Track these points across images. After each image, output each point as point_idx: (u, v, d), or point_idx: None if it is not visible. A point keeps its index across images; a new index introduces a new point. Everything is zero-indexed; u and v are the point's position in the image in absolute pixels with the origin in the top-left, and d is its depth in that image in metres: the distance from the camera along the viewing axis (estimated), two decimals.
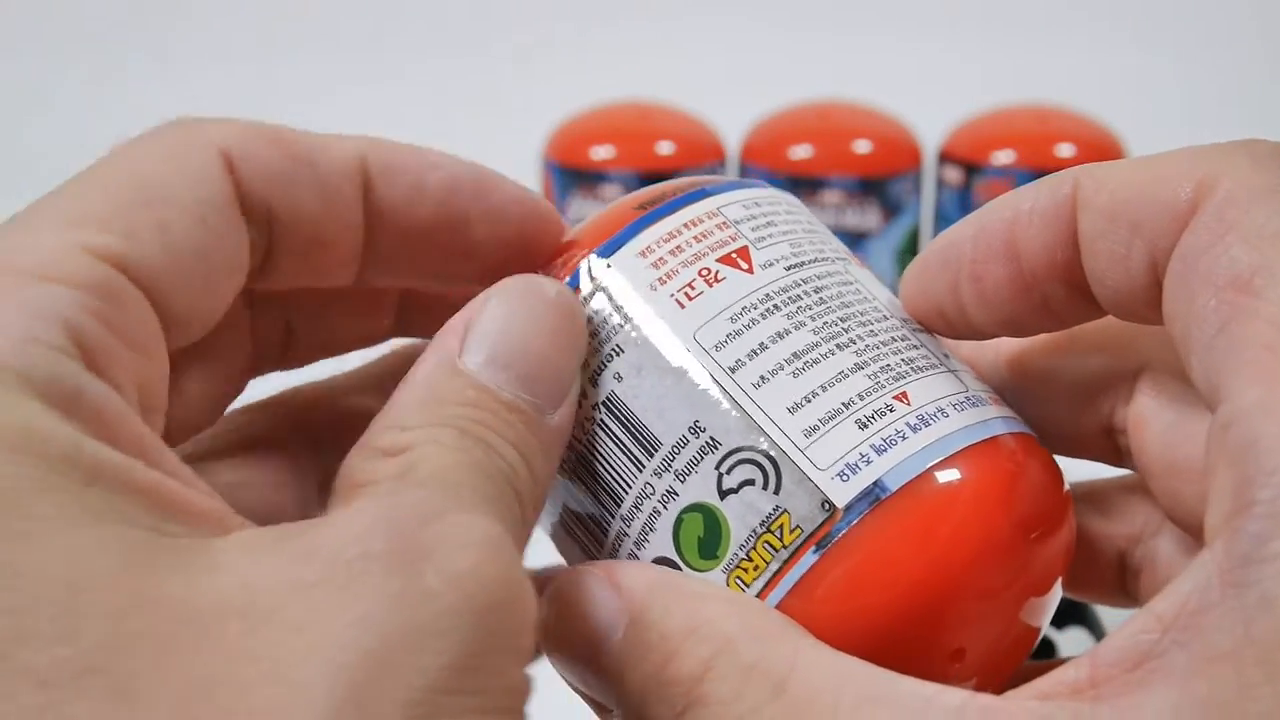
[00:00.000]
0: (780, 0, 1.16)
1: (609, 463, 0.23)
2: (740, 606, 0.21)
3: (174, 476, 0.18)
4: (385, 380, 0.25)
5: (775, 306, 0.23)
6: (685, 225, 0.24)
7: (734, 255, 0.24)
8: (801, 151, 0.83)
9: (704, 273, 0.24)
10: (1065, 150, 0.83)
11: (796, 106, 0.87)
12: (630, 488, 0.23)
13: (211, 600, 0.16)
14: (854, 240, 0.82)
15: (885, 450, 0.22)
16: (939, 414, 0.23)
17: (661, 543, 0.23)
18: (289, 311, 0.26)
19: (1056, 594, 0.24)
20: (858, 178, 0.81)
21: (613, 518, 0.23)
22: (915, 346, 0.24)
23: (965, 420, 0.23)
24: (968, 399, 0.23)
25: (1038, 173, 0.88)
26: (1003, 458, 0.23)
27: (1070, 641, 0.53)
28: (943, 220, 0.86)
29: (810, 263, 0.24)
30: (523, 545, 0.21)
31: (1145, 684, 0.18)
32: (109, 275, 0.19)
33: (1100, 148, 0.84)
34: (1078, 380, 0.26)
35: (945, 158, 0.85)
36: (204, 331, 0.22)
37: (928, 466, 0.22)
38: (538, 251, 0.25)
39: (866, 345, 0.23)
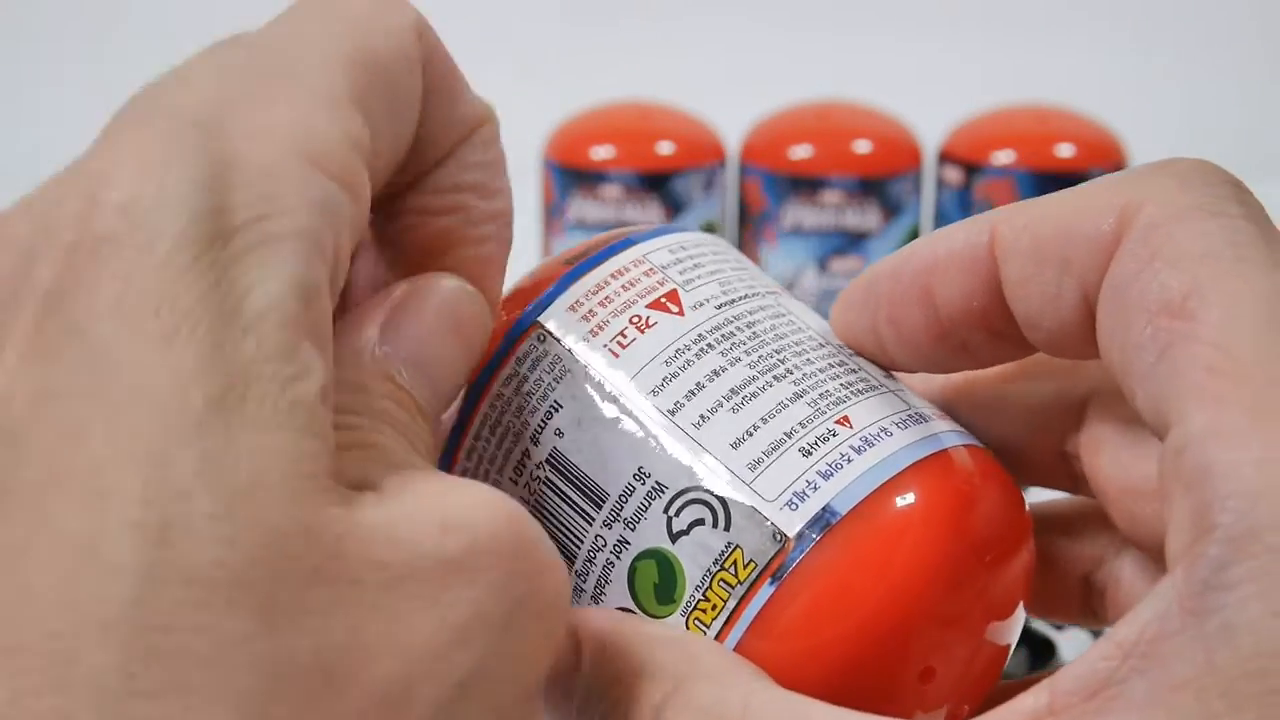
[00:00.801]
0: (780, 0, 1.16)
1: (558, 520, 0.23)
2: (695, 648, 0.21)
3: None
4: None
5: (709, 345, 0.23)
6: (612, 275, 0.24)
7: (663, 300, 0.24)
8: (801, 151, 0.83)
9: (635, 320, 0.24)
10: (1065, 150, 0.83)
11: (796, 106, 0.87)
12: (581, 542, 0.23)
13: (359, 541, 0.17)
14: (854, 240, 0.82)
15: (831, 475, 0.22)
16: (882, 434, 0.23)
17: (618, 594, 0.23)
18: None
19: (1020, 616, 0.24)
20: (858, 178, 0.81)
21: (568, 575, 0.23)
22: (853, 371, 0.24)
23: (910, 437, 0.23)
24: (910, 416, 0.23)
25: (1037, 173, 0.87)
26: (953, 471, 0.23)
27: (1071, 641, 0.53)
28: (943, 220, 0.86)
29: (741, 299, 0.24)
30: None
31: (1104, 712, 0.18)
32: (362, 173, 0.19)
33: (1100, 148, 0.84)
34: (1028, 407, 0.26)
35: (945, 158, 0.85)
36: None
37: (876, 486, 0.22)
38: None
39: (804, 374, 0.23)
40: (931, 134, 0.86)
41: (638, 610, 0.22)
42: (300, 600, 0.16)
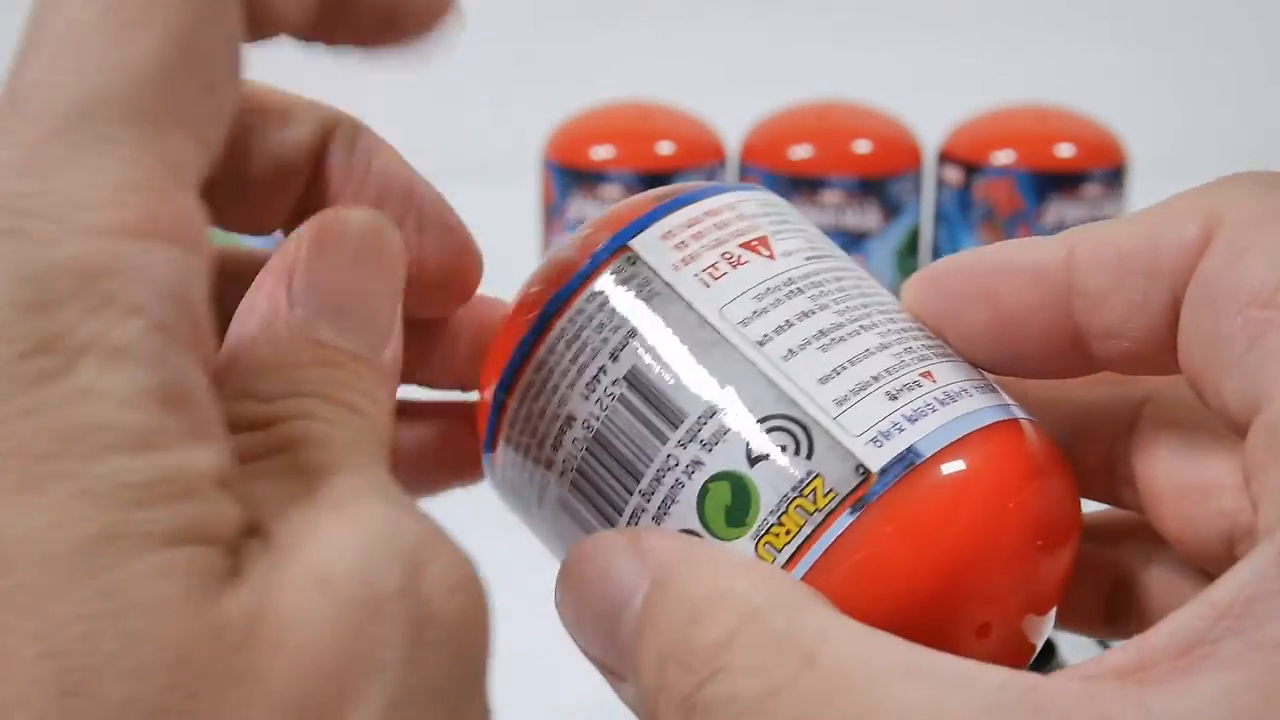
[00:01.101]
0: (780, 0, 1.16)
1: (628, 438, 0.23)
2: (767, 577, 0.21)
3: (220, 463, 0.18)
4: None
5: (798, 289, 0.24)
6: (706, 214, 0.25)
7: (754, 242, 0.24)
8: (801, 151, 0.83)
9: (727, 255, 0.24)
10: (1065, 150, 0.83)
11: (796, 106, 0.87)
12: (651, 461, 0.23)
13: (235, 616, 0.16)
14: (854, 240, 0.82)
15: (917, 420, 0.22)
16: (963, 392, 0.23)
17: (684, 514, 0.22)
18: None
19: (1072, 550, 0.24)
20: (858, 178, 0.81)
21: (630, 494, 0.23)
22: (930, 338, 0.24)
23: (988, 401, 0.23)
24: (985, 385, 0.24)
25: (1037, 173, 0.87)
26: (1026, 439, 0.23)
27: (1070, 641, 0.53)
28: (943, 220, 0.86)
29: (826, 256, 0.25)
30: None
31: (1195, 669, 0.18)
32: (197, 215, 0.17)
33: (1100, 148, 0.84)
34: (1080, 410, 0.26)
35: (945, 158, 0.85)
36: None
37: (960, 436, 0.22)
38: (462, 284, 0.26)
39: (888, 329, 0.23)
40: (931, 134, 0.86)
41: (704, 532, 0.22)
42: (218, 710, 0.16)
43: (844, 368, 0.23)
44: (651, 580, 0.21)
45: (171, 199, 0.17)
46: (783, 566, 0.22)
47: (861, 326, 0.23)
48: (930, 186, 0.86)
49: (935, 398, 0.23)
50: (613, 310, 0.24)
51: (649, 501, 0.23)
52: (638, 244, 0.24)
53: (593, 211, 0.82)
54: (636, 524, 0.23)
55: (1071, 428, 0.26)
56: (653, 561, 0.21)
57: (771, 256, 0.24)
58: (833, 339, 0.23)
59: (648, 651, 0.20)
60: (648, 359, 0.23)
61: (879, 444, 0.22)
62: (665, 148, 0.84)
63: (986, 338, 0.24)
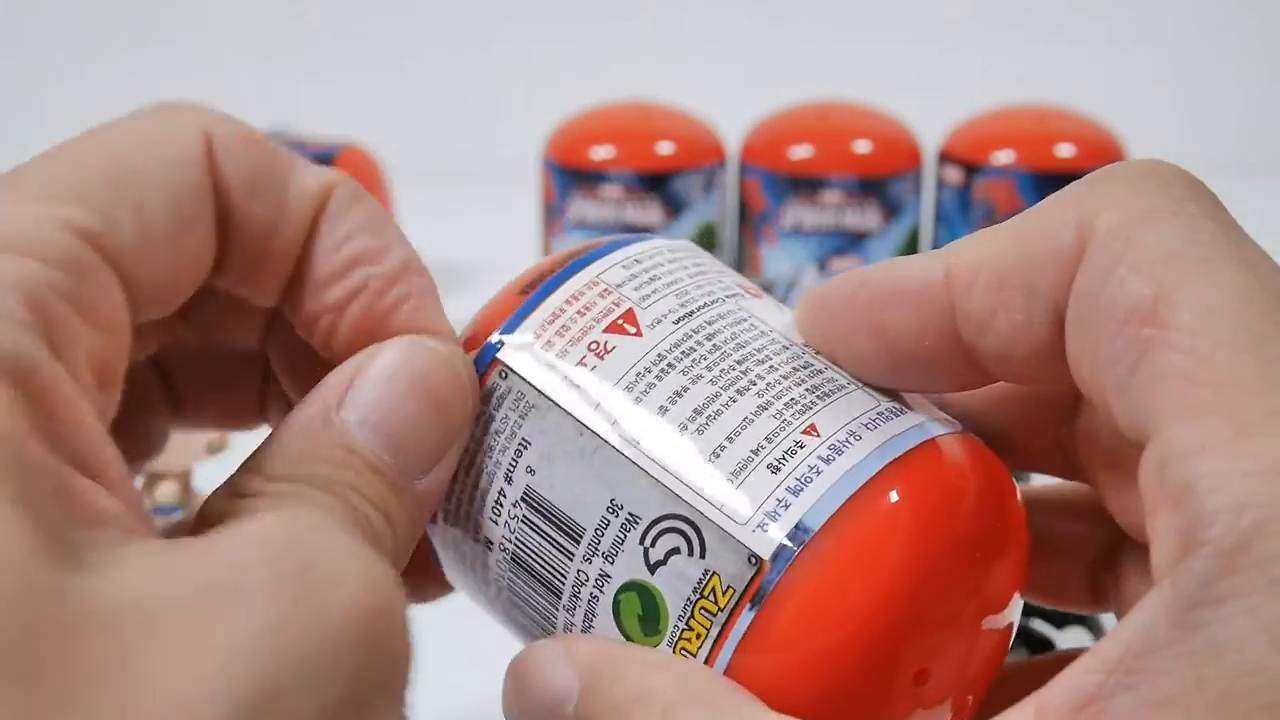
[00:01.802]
0: (780, 0, 1.16)
1: (540, 557, 0.23)
2: (686, 673, 0.21)
3: (109, 468, 0.18)
4: None
5: (670, 365, 0.23)
6: (567, 301, 0.24)
7: (619, 322, 0.24)
8: (801, 151, 0.83)
9: (593, 347, 0.23)
10: (1065, 150, 0.83)
11: (796, 106, 0.87)
12: (565, 578, 0.23)
13: (113, 594, 0.17)
14: (854, 240, 0.82)
15: (801, 490, 0.21)
16: (851, 439, 0.22)
17: (605, 626, 0.22)
18: (181, 375, 0.26)
19: (1017, 603, 0.23)
20: (858, 178, 0.81)
21: (556, 610, 0.23)
22: (819, 372, 0.23)
23: (882, 436, 0.22)
24: (881, 414, 0.23)
25: (1037, 173, 0.87)
26: (931, 467, 0.22)
27: (1070, 640, 0.53)
28: (943, 220, 0.86)
29: (700, 309, 0.24)
30: (395, 567, 0.21)
31: None
32: (79, 250, 0.19)
33: (1100, 148, 0.84)
34: (1020, 397, 0.25)
35: (945, 158, 0.85)
36: (165, 314, 0.22)
37: (847, 497, 0.21)
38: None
39: (767, 384, 0.23)
40: (931, 134, 0.86)
41: (625, 641, 0.22)
42: (61, 660, 0.16)
43: (723, 448, 0.22)
44: (580, 685, 0.21)
45: (46, 232, 0.19)
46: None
47: (738, 391, 0.23)
48: (930, 186, 0.86)
49: (819, 457, 0.22)
50: (496, 433, 0.23)
51: (573, 615, 0.23)
52: (506, 356, 0.24)
53: (593, 211, 0.82)
54: (567, 635, 0.23)
55: (1014, 413, 0.25)
56: (581, 666, 0.22)
57: (639, 333, 0.23)
58: (709, 416, 0.22)
59: None
60: (538, 477, 0.23)
61: (765, 527, 0.21)
62: (665, 148, 0.84)
63: (880, 365, 0.23)
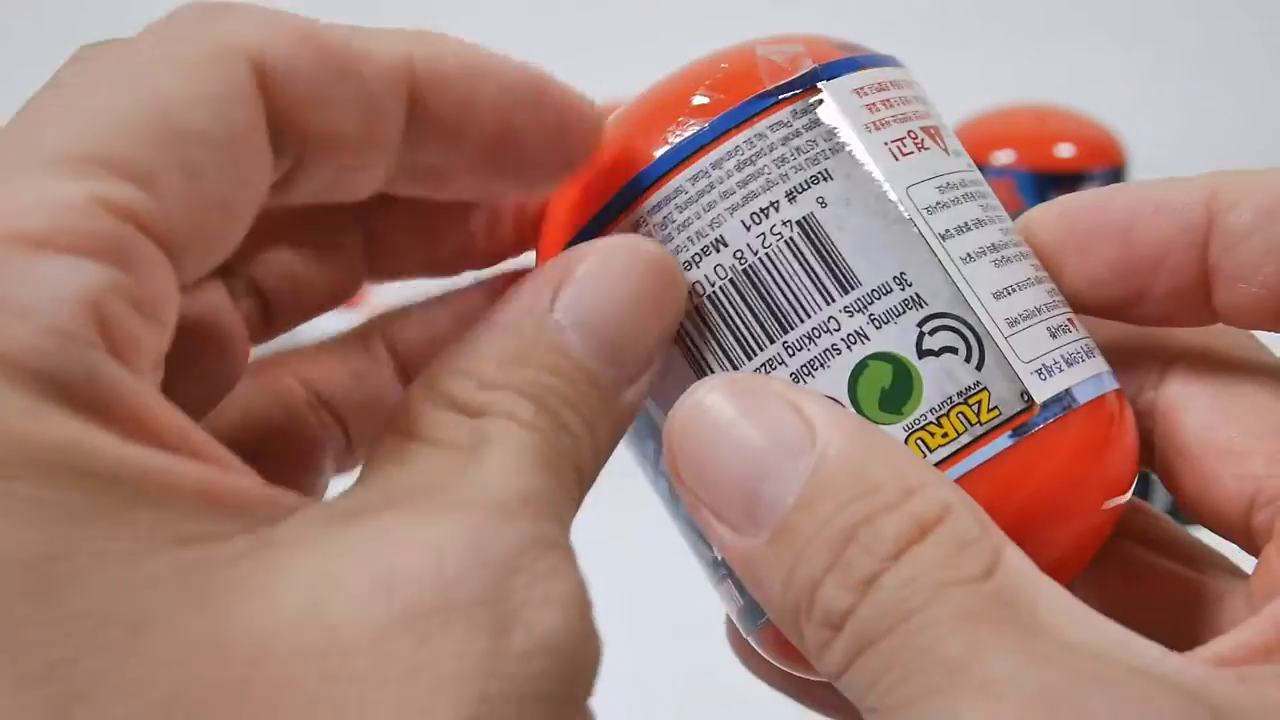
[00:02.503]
0: (780, 2, 1.16)
1: (788, 285, 0.22)
2: (954, 486, 0.20)
3: (213, 460, 0.17)
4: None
5: (970, 194, 0.23)
6: (894, 83, 0.24)
7: (934, 130, 0.24)
8: None
9: (912, 135, 0.23)
10: (1065, 150, 0.83)
11: None
12: (809, 317, 0.22)
13: (281, 635, 0.15)
14: None
15: (1074, 364, 0.23)
16: (1096, 349, 0.24)
17: (831, 382, 0.22)
18: (258, 280, 0.24)
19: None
20: None
21: (770, 341, 0.22)
22: (1052, 279, 0.24)
23: (1105, 364, 0.24)
24: (1095, 346, 0.24)
25: (1037, 173, 0.87)
26: (1126, 406, 0.24)
27: None
28: None
29: (973, 169, 0.25)
30: (572, 517, 0.20)
31: None
32: (131, 238, 0.16)
33: (1100, 148, 0.84)
34: (1113, 354, 0.25)
35: None
36: (208, 270, 0.19)
37: (1104, 391, 0.23)
38: (583, 162, 0.23)
39: (1033, 264, 0.24)
40: None
41: (850, 406, 0.22)
42: None
43: (1012, 290, 0.23)
44: (824, 450, 0.19)
45: (94, 219, 0.16)
46: (935, 465, 0.21)
47: (1020, 253, 0.23)
48: None
49: (1082, 347, 0.23)
50: (796, 149, 0.22)
51: (792, 357, 0.22)
52: (831, 91, 0.23)
53: None
54: (768, 374, 0.22)
55: None
56: (823, 430, 0.20)
57: (947, 151, 0.24)
58: (1002, 257, 0.23)
59: (817, 525, 0.19)
60: (828, 213, 0.22)
61: (1043, 377, 0.22)
62: None
63: (1113, 273, 0.24)
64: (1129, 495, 0.24)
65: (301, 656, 0.15)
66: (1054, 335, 0.23)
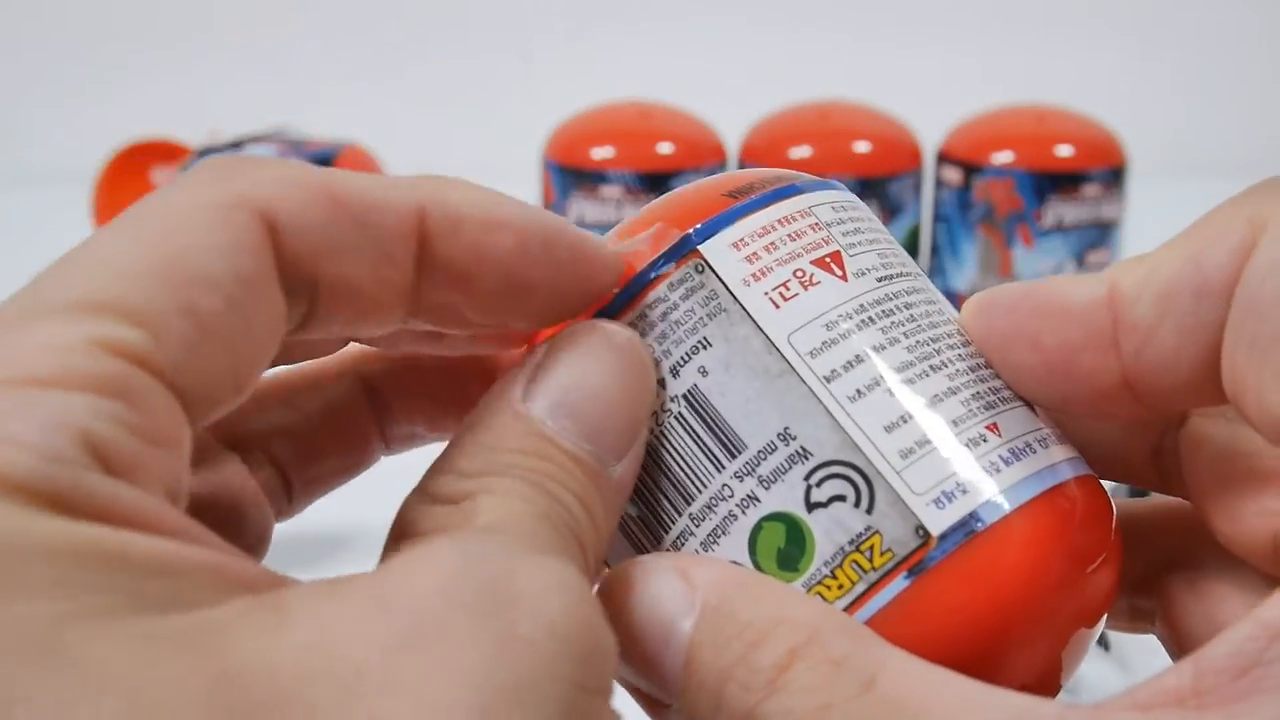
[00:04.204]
0: (780, 1, 1.16)
1: (683, 459, 0.22)
2: (828, 608, 0.21)
3: (218, 549, 0.17)
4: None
5: (870, 319, 0.23)
6: (780, 221, 0.23)
7: (828, 259, 0.23)
8: (801, 151, 0.83)
9: (799, 274, 0.23)
10: (1064, 150, 0.83)
11: (796, 106, 0.87)
12: (705, 487, 0.22)
13: (291, 663, 0.15)
14: None
15: (979, 482, 0.21)
16: (1027, 449, 0.22)
17: (733, 547, 0.22)
18: (274, 453, 0.25)
19: (1099, 627, 0.24)
20: (858, 178, 0.82)
21: (679, 515, 0.23)
22: (994, 376, 0.23)
23: (1049, 459, 0.22)
24: (1046, 437, 0.23)
25: (1037, 173, 0.87)
26: (1081, 498, 0.23)
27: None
28: (942, 220, 0.86)
29: (898, 276, 0.24)
30: (590, 582, 0.20)
31: (1251, 693, 0.18)
32: (128, 373, 0.17)
33: (1100, 148, 0.84)
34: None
35: (945, 158, 0.85)
36: (232, 408, 0.20)
37: (1021, 503, 0.21)
38: (593, 300, 0.24)
39: (956, 370, 0.23)
40: (931, 134, 0.86)
41: (753, 568, 0.22)
42: None
43: (910, 415, 0.22)
44: (703, 605, 0.21)
45: (91, 359, 0.17)
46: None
47: (931, 367, 0.23)
48: (930, 186, 0.86)
49: (1000, 456, 0.22)
50: (676, 322, 0.23)
51: (698, 527, 0.22)
52: (708, 251, 0.23)
53: (593, 211, 0.83)
54: (682, 547, 0.23)
55: (1117, 424, 0.25)
56: (704, 588, 0.21)
57: (844, 277, 0.23)
58: (902, 380, 0.22)
59: (703, 674, 0.20)
60: (710, 381, 0.22)
61: (941, 505, 0.21)
62: (665, 148, 0.84)
63: (1033, 378, 0.23)
64: (1110, 561, 0.23)
65: (310, 681, 0.15)
66: (959, 454, 0.22)
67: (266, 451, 0.25)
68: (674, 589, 0.21)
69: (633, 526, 0.23)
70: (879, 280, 0.23)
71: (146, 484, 0.17)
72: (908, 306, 0.23)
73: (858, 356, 0.22)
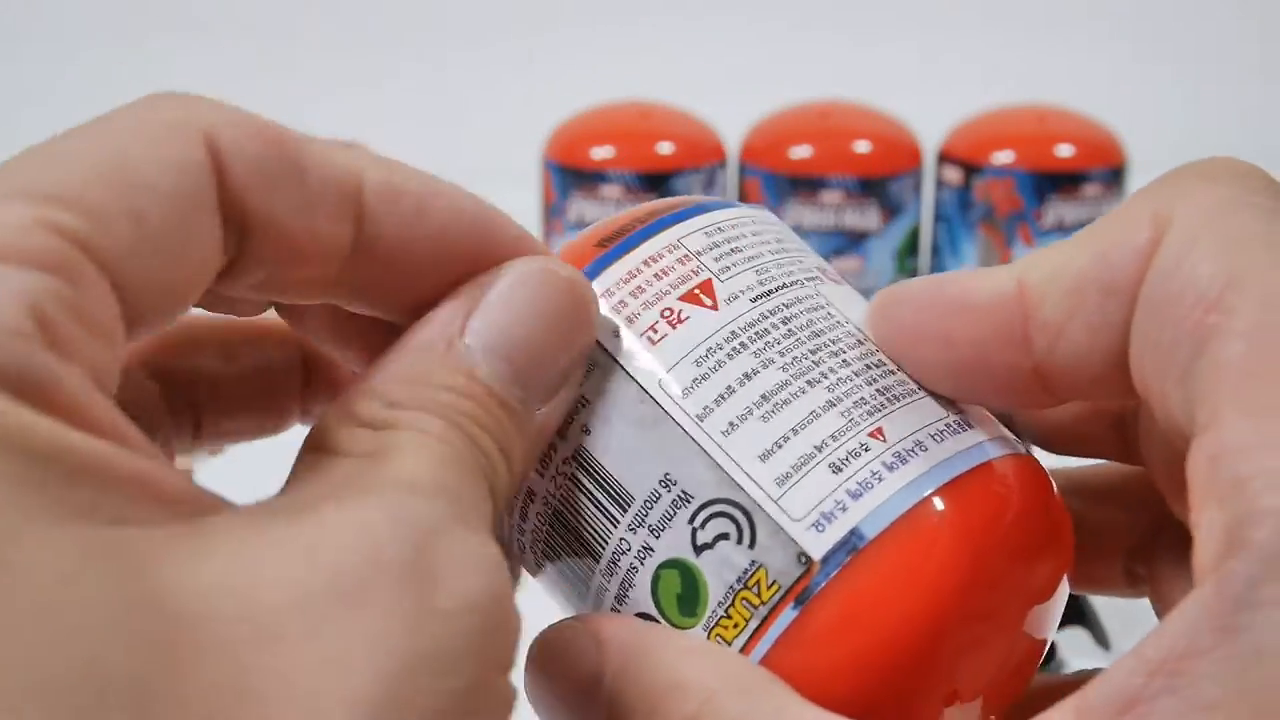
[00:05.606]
0: (780, 0, 1.16)
1: (583, 518, 0.22)
2: (723, 661, 0.21)
3: (147, 455, 0.17)
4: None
5: (742, 345, 0.22)
6: (645, 262, 0.23)
7: (696, 291, 0.23)
8: (801, 151, 0.83)
9: (666, 314, 0.23)
10: (1064, 150, 0.83)
11: (796, 106, 0.87)
12: (606, 543, 0.22)
13: (212, 598, 0.16)
14: (854, 240, 0.82)
15: (860, 495, 0.21)
16: (916, 449, 0.22)
17: (641, 599, 0.22)
18: (196, 395, 0.25)
19: (1061, 598, 0.23)
20: (858, 178, 0.82)
21: (592, 573, 0.23)
22: (891, 372, 0.23)
23: (945, 452, 0.22)
24: (948, 426, 0.22)
25: (1037, 173, 0.87)
26: (988, 491, 0.22)
27: (1070, 640, 0.53)
28: (942, 220, 0.86)
29: (778, 290, 0.23)
30: (487, 527, 0.20)
31: None
32: (71, 255, 0.17)
33: (1100, 148, 0.84)
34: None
35: (945, 158, 0.86)
36: (164, 326, 0.20)
37: (905, 510, 0.21)
38: None
39: (839, 378, 0.22)
40: (931, 134, 0.86)
41: (661, 619, 0.22)
42: (171, 685, 0.15)
43: (786, 439, 0.22)
44: (611, 670, 0.21)
45: (37, 236, 0.17)
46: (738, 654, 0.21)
47: (808, 382, 0.22)
48: (930, 186, 0.86)
49: (883, 463, 0.21)
50: None
51: (609, 582, 0.22)
52: None
53: (593, 211, 0.82)
54: (601, 602, 0.23)
55: (1076, 409, 0.25)
56: (610, 650, 0.21)
57: (715, 306, 0.23)
58: (776, 404, 0.22)
59: None
60: (593, 438, 0.22)
61: (821, 528, 0.21)
62: (665, 148, 0.84)
63: (944, 376, 0.23)
64: (1044, 542, 0.22)
65: (228, 618, 0.16)
66: (837, 470, 0.21)
67: (188, 393, 0.25)
68: (586, 652, 0.21)
69: (563, 584, 0.24)
70: (754, 300, 0.23)
71: (83, 369, 0.17)
72: (786, 321, 0.23)
73: (729, 388, 0.22)
